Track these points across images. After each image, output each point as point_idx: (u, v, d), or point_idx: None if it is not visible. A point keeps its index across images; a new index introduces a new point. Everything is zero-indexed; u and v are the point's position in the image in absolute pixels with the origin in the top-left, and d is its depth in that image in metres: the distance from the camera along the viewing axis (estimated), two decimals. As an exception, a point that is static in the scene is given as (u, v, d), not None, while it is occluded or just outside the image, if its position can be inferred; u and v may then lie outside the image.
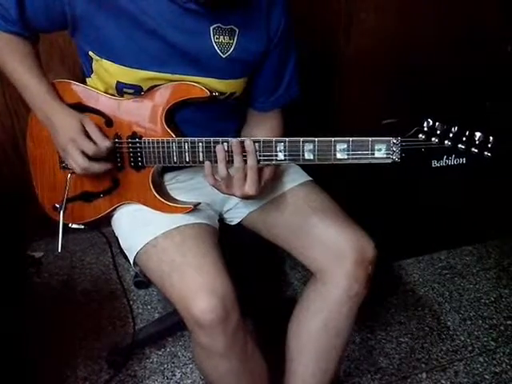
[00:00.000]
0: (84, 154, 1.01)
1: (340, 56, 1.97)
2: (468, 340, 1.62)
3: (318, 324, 1.12)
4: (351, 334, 1.19)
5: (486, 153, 0.88)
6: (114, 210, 1.15)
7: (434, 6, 1.95)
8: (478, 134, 0.87)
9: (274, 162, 1.00)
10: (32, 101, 1.08)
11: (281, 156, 0.99)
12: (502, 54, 2.07)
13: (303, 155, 0.98)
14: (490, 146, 0.87)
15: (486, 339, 1.62)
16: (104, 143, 1.01)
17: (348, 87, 2.03)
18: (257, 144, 0.99)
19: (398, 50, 1.97)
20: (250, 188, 0.99)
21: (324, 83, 1.93)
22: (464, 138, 0.88)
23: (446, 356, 1.56)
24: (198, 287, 0.96)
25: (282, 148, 0.98)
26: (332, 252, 1.08)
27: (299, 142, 0.97)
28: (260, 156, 0.99)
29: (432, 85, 1.94)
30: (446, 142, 0.89)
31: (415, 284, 1.84)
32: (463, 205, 1.90)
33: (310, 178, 1.24)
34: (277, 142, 0.98)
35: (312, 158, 0.97)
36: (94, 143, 1.01)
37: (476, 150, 0.88)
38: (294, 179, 1.21)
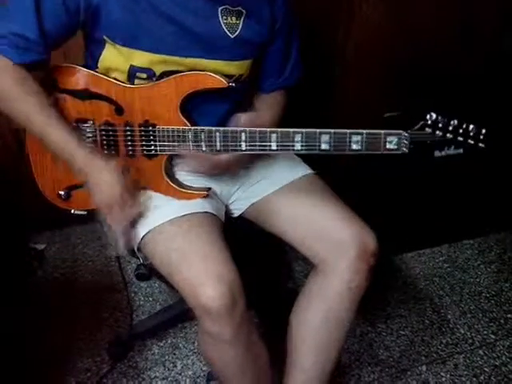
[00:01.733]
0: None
1: (340, 51, 1.96)
2: (468, 333, 1.62)
3: (319, 316, 1.13)
4: (351, 326, 1.19)
5: (480, 144, 0.97)
6: None
7: (434, 2, 1.94)
8: (471, 127, 0.96)
9: (291, 152, 1.04)
10: (57, 151, 1.02)
11: (297, 146, 1.02)
12: (500, 51, 2.07)
13: (319, 146, 1.01)
14: (482, 137, 0.96)
15: (485, 332, 1.63)
16: (132, 211, 1.03)
17: (348, 82, 2.02)
18: (274, 134, 1.02)
19: (398, 45, 1.96)
20: None
21: (324, 77, 1.93)
22: (461, 131, 0.97)
23: (446, 349, 1.57)
24: (205, 274, 0.96)
25: (299, 139, 1.01)
26: (334, 244, 1.09)
27: (316, 133, 1.01)
28: (278, 146, 1.03)
29: (432, 79, 1.93)
30: (448, 134, 0.97)
31: (416, 277, 1.85)
32: (464, 199, 1.90)
33: (312, 171, 1.24)
34: (295, 132, 1.01)
35: (328, 148, 1.01)
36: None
37: (472, 142, 0.97)
38: (296, 172, 1.22)
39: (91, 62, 1.10)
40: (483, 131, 0.96)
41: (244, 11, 1.07)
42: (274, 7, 1.12)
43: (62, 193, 1.14)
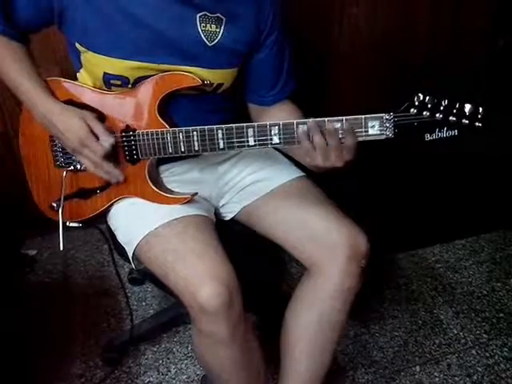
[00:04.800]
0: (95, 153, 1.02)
1: (333, 49, 1.97)
2: (461, 333, 1.63)
3: (311, 318, 1.13)
4: (345, 328, 1.19)
5: (476, 123, 0.90)
6: (111, 205, 1.15)
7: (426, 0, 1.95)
8: (467, 106, 0.90)
9: (269, 146, 1.01)
10: (28, 103, 1.07)
11: (275, 139, 1.00)
12: (495, 48, 2.08)
13: (297, 137, 0.98)
14: (480, 116, 0.89)
15: (478, 332, 1.63)
16: (109, 140, 1.02)
17: (341, 81, 2.03)
18: (250, 129, 1.00)
19: (391, 44, 1.98)
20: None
21: (317, 77, 1.94)
22: (454, 110, 0.90)
23: (439, 349, 1.57)
24: (203, 274, 0.96)
25: (277, 131, 0.99)
26: (325, 247, 1.09)
27: (293, 124, 0.98)
28: (255, 141, 1.00)
29: (425, 76, 1.95)
30: (437, 114, 0.91)
31: (408, 278, 1.85)
32: (456, 199, 1.91)
33: (304, 173, 1.24)
34: (271, 125, 0.99)
35: None
36: (100, 142, 1.02)
37: (467, 121, 0.90)
38: (288, 174, 1.22)
39: (76, 65, 1.11)
40: (480, 109, 0.89)
41: (224, 18, 1.04)
42: (260, 16, 1.08)
43: (54, 204, 1.14)
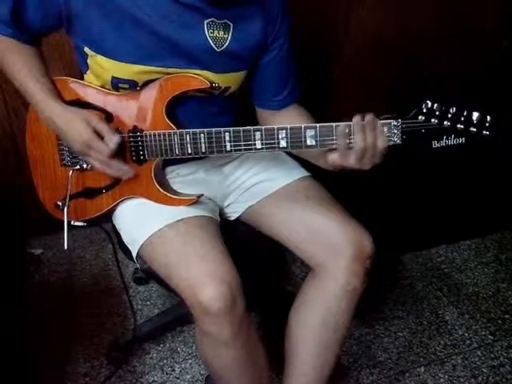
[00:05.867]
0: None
1: (339, 49, 1.97)
2: (466, 334, 1.62)
3: (316, 319, 1.13)
4: (349, 329, 1.19)
5: (484, 132, 0.90)
6: (117, 205, 1.15)
7: (434, 3, 1.95)
8: (475, 114, 0.90)
9: (277, 150, 1.01)
10: (34, 105, 1.07)
11: (283, 143, 0.99)
12: (499, 48, 2.08)
13: (305, 141, 0.98)
14: (487, 124, 0.89)
15: (483, 333, 1.63)
16: (115, 139, 1.01)
17: (347, 81, 2.03)
18: (258, 132, 0.99)
19: (397, 44, 1.97)
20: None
21: (323, 77, 1.93)
22: (462, 118, 0.90)
23: (444, 350, 1.57)
24: (205, 275, 0.97)
25: (284, 135, 0.99)
26: (330, 247, 1.09)
27: (300, 128, 0.97)
28: (263, 144, 1.00)
29: (431, 78, 1.94)
30: (445, 122, 0.91)
31: (414, 278, 1.85)
32: (461, 199, 1.91)
33: (309, 174, 1.24)
34: (279, 129, 0.99)
35: (314, 143, 0.98)
36: (106, 141, 1.02)
37: (474, 129, 0.90)
38: (293, 174, 1.22)
39: (83, 67, 1.11)
40: (488, 118, 0.89)
41: (231, 24, 1.04)
42: (268, 18, 1.08)
43: (60, 203, 1.15)
